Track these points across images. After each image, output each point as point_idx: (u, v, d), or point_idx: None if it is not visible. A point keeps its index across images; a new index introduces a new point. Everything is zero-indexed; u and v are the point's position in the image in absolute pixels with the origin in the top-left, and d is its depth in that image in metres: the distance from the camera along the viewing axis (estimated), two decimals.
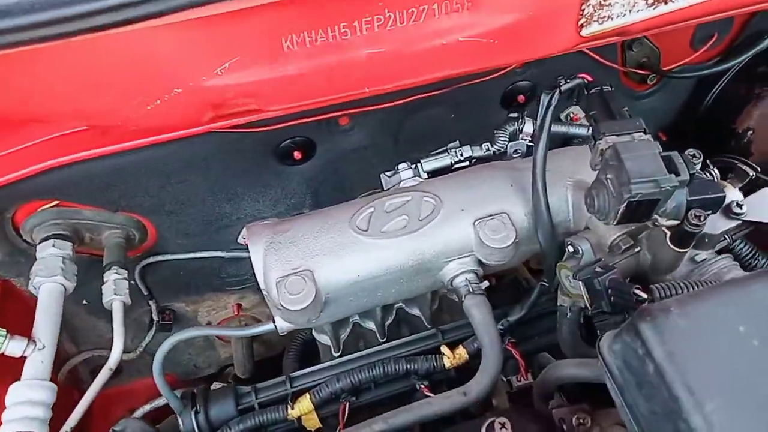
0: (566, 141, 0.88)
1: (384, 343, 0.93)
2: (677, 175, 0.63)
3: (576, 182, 0.77)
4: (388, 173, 0.86)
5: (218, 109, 0.62)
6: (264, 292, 0.76)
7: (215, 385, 0.98)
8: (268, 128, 0.86)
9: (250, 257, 0.86)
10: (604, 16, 0.67)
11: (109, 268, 0.93)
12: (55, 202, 0.90)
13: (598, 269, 0.73)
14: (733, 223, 0.70)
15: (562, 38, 0.71)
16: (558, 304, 0.87)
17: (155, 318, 1.12)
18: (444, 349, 0.87)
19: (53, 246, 0.89)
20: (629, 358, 0.54)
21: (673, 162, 0.63)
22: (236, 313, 1.20)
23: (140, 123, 0.64)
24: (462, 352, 0.87)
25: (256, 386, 0.90)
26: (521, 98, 0.96)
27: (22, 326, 0.85)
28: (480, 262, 0.77)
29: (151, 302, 1.09)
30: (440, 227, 0.75)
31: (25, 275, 0.92)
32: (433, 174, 0.84)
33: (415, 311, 0.98)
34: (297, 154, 0.92)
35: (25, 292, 0.94)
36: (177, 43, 0.53)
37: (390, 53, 0.64)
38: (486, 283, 0.76)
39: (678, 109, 1.13)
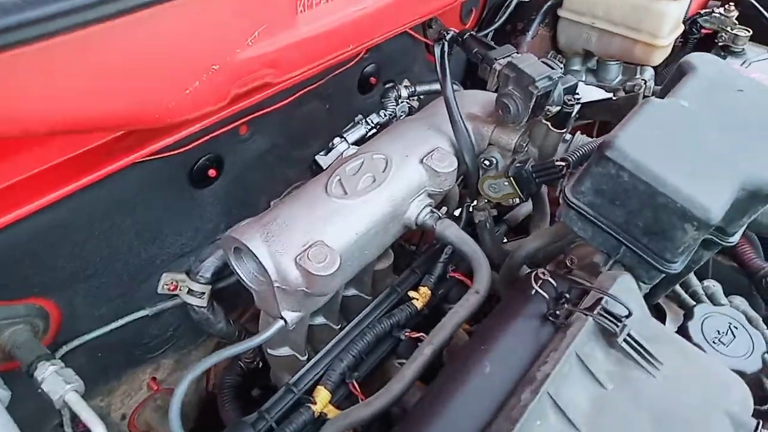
0: None
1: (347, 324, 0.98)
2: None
3: (467, 115, 0.96)
4: (322, 153, 0.92)
5: (241, 86, 0.61)
6: (276, 285, 0.74)
7: None
8: (185, 149, 0.83)
9: (173, 306, 0.83)
10: None
11: (36, 366, 0.75)
12: None
13: (518, 164, 0.93)
14: (578, 106, 0.98)
15: None
16: (476, 221, 1.05)
17: None
18: (412, 293, 0.97)
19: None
20: (601, 184, 0.74)
21: (548, 63, 0.87)
22: (155, 389, 1.05)
23: (177, 113, 0.59)
24: (425, 291, 0.98)
25: (260, 410, 0.85)
26: (373, 80, 1.12)
27: None
28: (430, 195, 0.90)
29: (63, 411, 0.90)
30: (399, 173, 0.85)
31: None
32: (357, 143, 0.93)
33: (351, 291, 1.05)
34: (212, 172, 0.91)
35: None
36: (212, 17, 0.53)
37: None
38: (444, 209, 0.89)
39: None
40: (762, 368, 0.80)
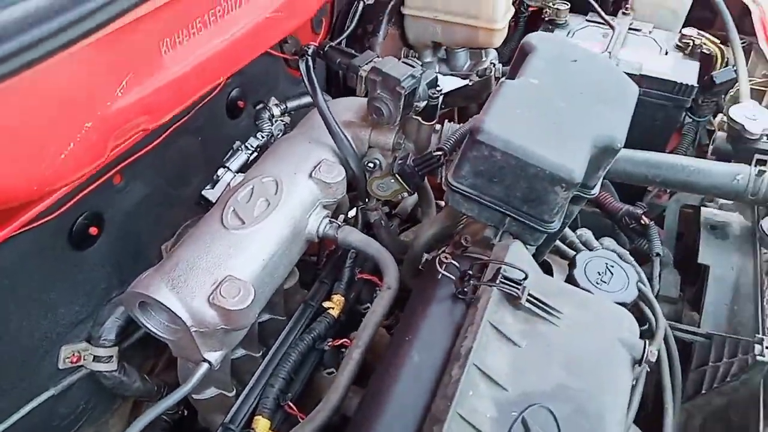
0: None
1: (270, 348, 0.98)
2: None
3: (343, 123, 1.00)
4: (208, 187, 0.91)
5: (118, 137, 0.59)
6: (193, 330, 0.73)
7: None
8: (59, 212, 0.78)
9: (79, 379, 0.80)
10: None
11: None
12: None
13: (400, 161, 0.99)
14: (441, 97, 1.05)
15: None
16: (371, 221, 1.09)
17: None
18: (326, 303, 0.99)
19: None
20: (478, 166, 0.81)
21: (408, 63, 0.93)
22: None
23: (55, 180, 0.55)
24: (339, 299, 1.01)
25: None
26: (241, 104, 1.12)
27: None
28: (325, 207, 0.92)
29: None
30: (291, 192, 0.86)
31: None
32: (242, 170, 0.93)
33: (265, 316, 1.05)
34: (93, 230, 0.86)
35: None
36: (75, 75, 0.50)
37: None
38: (342, 216, 0.92)
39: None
40: (638, 295, 0.93)
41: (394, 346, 0.75)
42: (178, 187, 1.01)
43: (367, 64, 0.92)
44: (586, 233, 1.20)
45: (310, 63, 0.93)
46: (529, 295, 0.75)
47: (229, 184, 0.92)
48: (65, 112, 0.53)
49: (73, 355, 0.88)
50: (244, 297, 0.72)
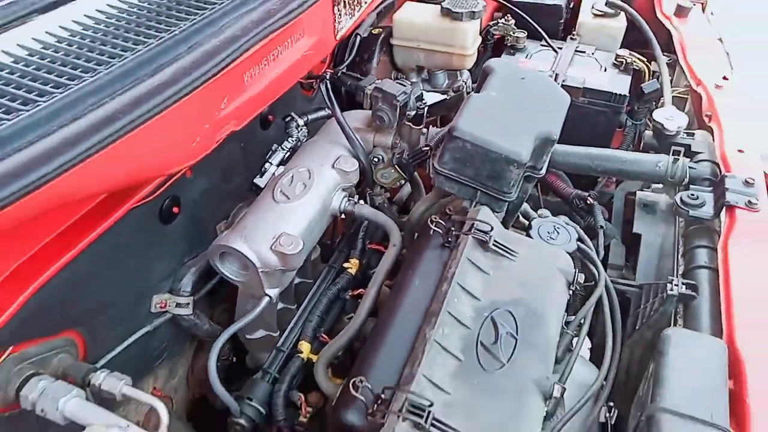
0: None
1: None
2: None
3: (354, 129, 1.32)
4: (258, 177, 1.23)
5: (222, 133, 0.90)
6: (260, 271, 1.04)
7: None
8: (154, 196, 1.09)
9: (165, 321, 1.11)
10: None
11: (90, 377, 0.97)
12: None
13: (398, 155, 1.31)
14: (426, 108, 1.39)
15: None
16: (377, 204, 1.41)
17: None
18: (345, 264, 1.31)
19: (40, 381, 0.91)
20: (455, 154, 1.13)
21: (400, 83, 1.26)
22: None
23: (189, 159, 0.86)
24: (355, 261, 1.32)
25: (263, 369, 1.14)
26: (271, 118, 1.44)
27: None
28: (344, 189, 1.24)
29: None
30: (320, 178, 1.18)
31: None
32: (281, 164, 1.26)
33: (297, 279, 1.36)
34: (175, 209, 1.17)
35: None
36: (202, 99, 0.82)
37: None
38: (356, 197, 1.25)
39: None
40: (576, 249, 1.25)
41: (399, 278, 1.07)
42: (228, 181, 1.32)
43: (370, 84, 1.25)
44: (545, 212, 1.53)
45: (329, 85, 1.26)
46: (495, 241, 1.07)
47: (274, 173, 1.23)
48: (196, 118, 0.84)
49: (161, 302, 1.17)
50: (296, 245, 1.04)
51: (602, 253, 1.55)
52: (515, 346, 0.94)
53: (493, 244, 1.07)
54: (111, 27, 0.91)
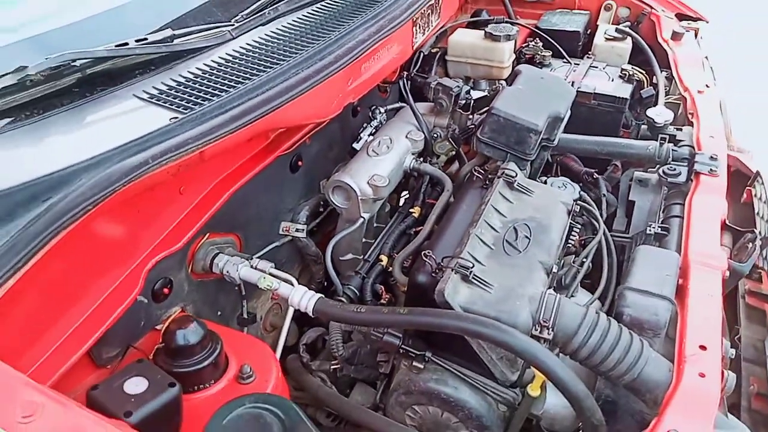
0: None
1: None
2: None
3: (421, 113, 1.81)
4: (355, 143, 1.73)
5: (349, 100, 1.41)
6: (359, 198, 1.52)
7: None
8: (288, 150, 1.59)
9: (286, 241, 1.60)
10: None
11: (251, 260, 1.46)
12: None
13: (451, 131, 1.79)
14: (472, 101, 1.86)
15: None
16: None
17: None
18: (411, 210, 1.78)
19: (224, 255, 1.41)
20: (492, 126, 1.60)
21: (454, 81, 1.74)
22: (275, 298, 1.76)
23: (330, 113, 1.37)
24: (417, 208, 1.79)
25: (356, 271, 1.61)
26: (359, 109, 1.94)
27: None
28: (412, 153, 1.72)
29: (244, 302, 1.59)
30: (398, 143, 1.67)
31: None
32: (371, 134, 1.76)
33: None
34: (300, 163, 1.67)
35: None
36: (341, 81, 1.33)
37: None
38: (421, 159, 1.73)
39: None
40: (578, 198, 1.68)
41: (451, 208, 1.53)
42: (331, 149, 1.82)
43: (434, 81, 1.74)
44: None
45: (406, 82, 1.76)
46: (518, 183, 1.53)
47: (366, 140, 1.73)
48: (336, 89, 1.33)
49: (286, 227, 1.67)
50: (384, 180, 1.53)
51: (605, 215, 1.98)
52: (529, 243, 1.38)
53: (517, 185, 1.52)
54: (277, 44, 1.40)
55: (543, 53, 2.33)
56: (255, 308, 1.68)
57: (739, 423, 1.20)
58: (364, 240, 1.75)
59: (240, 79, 1.15)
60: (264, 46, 1.27)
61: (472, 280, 1.25)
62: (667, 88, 2.30)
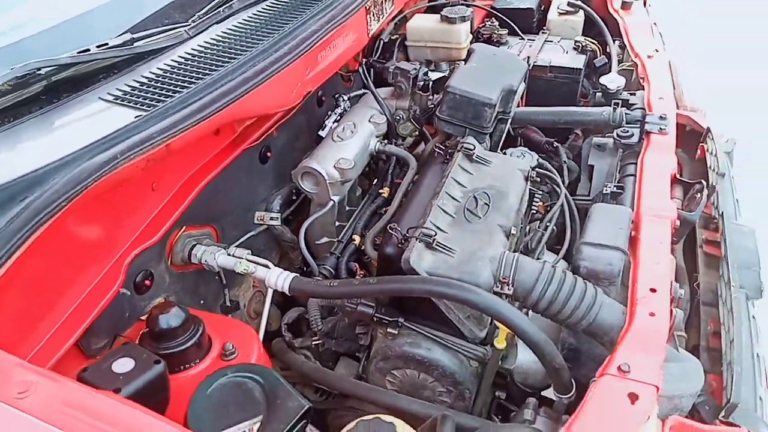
0: None
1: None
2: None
3: (382, 98, 1.87)
4: (321, 131, 1.79)
5: (305, 90, 1.47)
6: (328, 182, 1.59)
7: None
8: (257, 142, 1.66)
9: (262, 230, 1.67)
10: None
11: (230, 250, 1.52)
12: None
13: (412, 113, 1.86)
14: (431, 82, 1.93)
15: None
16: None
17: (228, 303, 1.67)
18: (381, 190, 1.85)
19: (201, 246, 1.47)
20: (449, 103, 1.67)
21: (412, 64, 1.81)
22: (257, 286, 1.82)
23: (286, 104, 1.43)
24: (386, 189, 1.86)
25: (331, 252, 1.68)
26: (323, 98, 1.99)
27: None
28: (377, 136, 1.79)
29: (226, 290, 1.65)
30: (362, 128, 1.74)
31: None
32: (334, 123, 1.82)
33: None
34: (269, 154, 1.74)
35: None
36: (292, 74, 1.39)
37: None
38: (385, 141, 1.80)
39: None
40: (537, 165, 1.76)
41: (416, 182, 1.61)
42: (298, 139, 1.88)
43: (392, 65, 1.81)
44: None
45: (365, 69, 1.82)
46: (477, 155, 1.60)
47: (330, 128, 1.80)
48: (294, 78, 1.40)
49: (261, 216, 1.73)
50: (349, 163, 1.59)
51: (566, 181, 2.06)
52: (488, 209, 1.46)
53: (476, 157, 1.60)
54: (233, 40, 1.46)
55: (499, 32, 2.41)
56: (237, 296, 1.75)
57: (690, 356, 1.28)
58: (337, 223, 1.82)
59: (200, 75, 1.21)
60: (221, 43, 1.33)
61: (436, 246, 1.32)
62: (621, 56, 2.38)
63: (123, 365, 0.99)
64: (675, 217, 1.54)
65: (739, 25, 5.16)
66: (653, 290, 1.29)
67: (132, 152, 0.99)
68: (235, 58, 1.25)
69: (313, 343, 1.54)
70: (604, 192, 1.77)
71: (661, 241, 1.44)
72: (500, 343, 1.29)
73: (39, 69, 1.04)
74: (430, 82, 1.85)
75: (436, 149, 1.64)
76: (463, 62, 2.04)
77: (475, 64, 1.75)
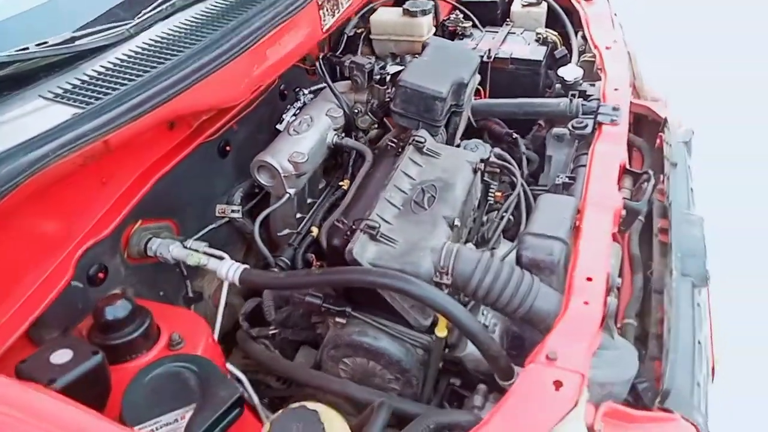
0: None
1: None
2: None
3: (341, 91, 1.89)
4: (278, 124, 1.81)
5: (257, 84, 1.49)
6: (282, 175, 1.61)
7: None
8: (215, 136, 1.67)
9: (223, 223, 1.69)
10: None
11: (185, 244, 1.55)
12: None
13: (370, 106, 1.88)
14: (387, 76, 1.95)
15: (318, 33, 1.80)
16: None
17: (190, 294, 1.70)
18: (341, 183, 1.87)
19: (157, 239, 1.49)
20: (402, 97, 1.68)
21: (367, 58, 1.82)
22: None
23: (240, 97, 1.44)
24: (346, 181, 1.88)
25: (289, 243, 1.70)
26: (286, 92, 2.01)
27: None
28: (335, 129, 1.81)
29: (187, 281, 1.68)
30: (319, 121, 1.76)
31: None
32: (294, 115, 1.84)
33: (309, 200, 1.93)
34: (228, 148, 1.75)
35: None
36: (245, 62, 1.41)
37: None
38: (343, 134, 1.82)
39: None
40: (489, 157, 1.78)
41: (368, 174, 1.63)
42: (260, 132, 1.89)
43: (348, 60, 1.82)
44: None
45: (322, 64, 1.84)
46: (427, 147, 1.62)
47: (288, 121, 1.82)
48: (240, 74, 1.41)
49: (222, 209, 1.74)
50: (302, 157, 1.61)
51: (525, 171, 2.08)
52: (434, 201, 1.48)
53: (426, 150, 1.62)
54: (176, 38, 1.45)
55: (463, 24, 2.42)
56: (202, 287, 1.77)
57: (626, 343, 1.32)
58: (298, 215, 1.84)
59: (140, 72, 1.22)
60: (164, 40, 1.34)
61: (379, 238, 1.35)
62: (583, 48, 2.40)
63: (61, 356, 1.01)
64: (620, 207, 1.57)
65: (708, 16, 5.18)
66: (589, 279, 1.31)
67: (64, 149, 1.00)
68: (176, 55, 1.26)
69: (270, 332, 1.57)
70: (556, 183, 1.80)
71: (603, 230, 1.46)
72: (441, 331, 1.32)
73: None
74: (388, 76, 1.87)
75: (389, 142, 1.66)
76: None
77: (427, 58, 1.76)
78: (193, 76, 1.24)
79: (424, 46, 1.83)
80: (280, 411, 0.93)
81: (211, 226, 1.72)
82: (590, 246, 1.41)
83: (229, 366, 1.46)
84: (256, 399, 1.45)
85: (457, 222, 1.44)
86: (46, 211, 1.21)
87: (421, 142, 1.61)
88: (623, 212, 1.60)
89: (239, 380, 1.44)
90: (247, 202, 1.81)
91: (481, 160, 1.73)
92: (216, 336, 1.49)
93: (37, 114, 1.09)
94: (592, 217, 1.50)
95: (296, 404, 0.96)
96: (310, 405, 0.95)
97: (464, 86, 1.73)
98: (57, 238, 1.25)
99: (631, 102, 2.20)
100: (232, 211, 1.75)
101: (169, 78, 1.20)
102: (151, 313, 1.25)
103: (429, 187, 1.51)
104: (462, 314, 1.22)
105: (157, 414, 0.97)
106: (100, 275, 1.36)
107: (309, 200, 1.89)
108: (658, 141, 2.14)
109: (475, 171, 1.60)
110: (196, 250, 1.47)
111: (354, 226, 1.38)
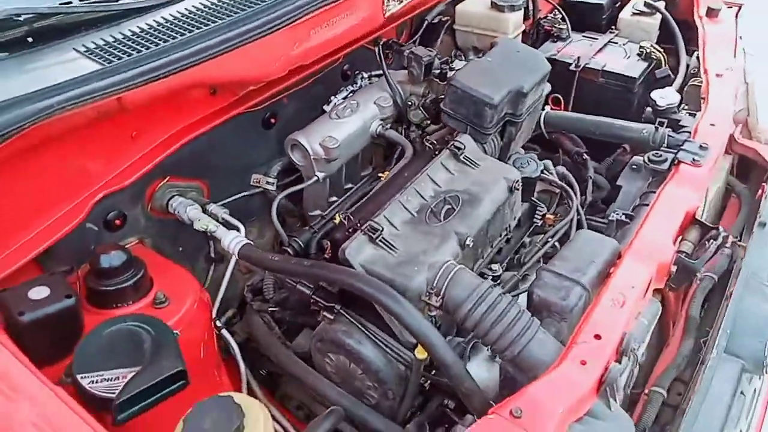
0: None
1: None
2: None
3: (397, 81, 1.82)
4: (326, 106, 1.79)
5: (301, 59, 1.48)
6: (312, 158, 1.59)
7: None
8: (261, 107, 1.68)
9: (257, 192, 1.68)
10: None
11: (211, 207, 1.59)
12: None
13: (426, 100, 1.79)
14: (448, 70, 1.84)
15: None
16: (410, 138, 1.90)
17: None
18: (381, 174, 1.82)
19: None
20: (452, 97, 1.58)
21: (428, 51, 1.73)
22: None
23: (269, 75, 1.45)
24: (386, 173, 1.82)
25: (310, 226, 1.69)
26: (349, 73, 1.97)
27: None
28: (381, 119, 1.75)
29: (211, 242, 1.72)
30: (365, 108, 1.70)
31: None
32: (345, 98, 1.81)
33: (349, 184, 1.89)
34: (273, 120, 1.76)
35: None
36: (287, 36, 1.40)
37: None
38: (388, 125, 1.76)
39: None
40: (539, 176, 1.63)
41: (398, 172, 1.56)
42: (313, 110, 1.88)
43: (408, 50, 1.74)
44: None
45: (381, 49, 1.77)
46: (465, 155, 1.52)
47: (335, 104, 1.79)
48: (278, 49, 1.40)
49: (257, 179, 1.77)
50: (334, 143, 1.57)
51: (589, 197, 1.89)
52: (452, 214, 1.38)
53: (463, 157, 1.51)
54: (220, 7, 1.42)
55: (560, 26, 2.22)
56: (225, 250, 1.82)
57: (623, 414, 1.16)
58: (333, 198, 1.82)
59: (175, 36, 1.24)
60: (206, 8, 1.36)
61: (378, 242, 1.29)
62: (696, 70, 2.11)
63: (38, 293, 1.07)
64: (668, 262, 1.38)
65: None
66: (597, 337, 1.17)
67: (70, 103, 1.05)
68: (208, 25, 1.27)
69: (269, 309, 1.58)
70: (611, 218, 1.61)
71: (635, 284, 1.29)
72: (420, 353, 1.24)
73: (18, 15, 1.12)
74: (448, 71, 1.76)
75: (426, 142, 1.57)
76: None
77: (490, 59, 1.63)
78: (220, 46, 1.24)
79: (492, 45, 1.69)
80: (201, 401, 0.92)
81: (242, 194, 1.75)
82: (612, 299, 1.25)
83: (224, 333, 1.50)
84: (242, 366, 1.47)
85: (469, 241, 1.33)
86: (69, 155, 1.28)
87: (460, 149, 1.51)
88: (673, 268, 1.40)
89: (231, 347, 1.48)
90: (284, 177, 1.82)
91: (531, 178, 1.60)
92: (218, 303, 1.53)
93: (64, 66, 1.15)
94: (628, 267, 1.32)
95: (224, 394, 0.94)
96: (239, 398, 0.93)
97: (523, 95, 1.58)
98: (78, 182, 1.32)
99: (738, 141, 1.93)
100: (267, 182, 1.76)
101: (193, 46, 1.21)
102: (145, 268, 1.29)
103: (452, 198, 1.42)
104: (437, 342, 1.14)
105: (102, 368, 1.01)
106: (117, 222, 1.43)
107: (348, 186, 1.86)
108: (759, 191, 1.85)
109: (511, 190, 1.47)
110: (211, 216, 1.49)
111: (358, 224, 1.33)
